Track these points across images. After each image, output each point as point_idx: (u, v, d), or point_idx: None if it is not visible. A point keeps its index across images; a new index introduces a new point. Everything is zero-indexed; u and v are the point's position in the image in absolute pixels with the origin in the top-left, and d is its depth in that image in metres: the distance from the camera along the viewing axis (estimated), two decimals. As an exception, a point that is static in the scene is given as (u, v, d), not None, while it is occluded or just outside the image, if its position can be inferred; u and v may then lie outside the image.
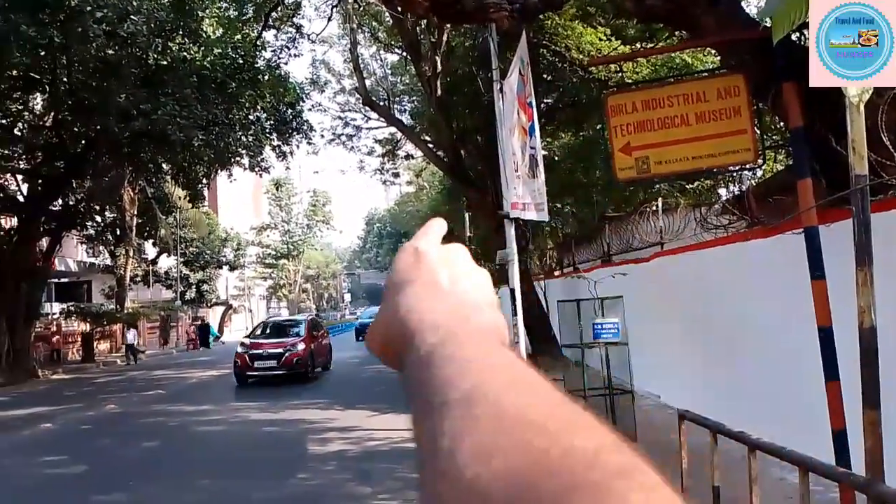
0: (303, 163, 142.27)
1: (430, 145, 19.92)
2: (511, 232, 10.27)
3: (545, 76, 15.61)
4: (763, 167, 7.83)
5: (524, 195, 9.60)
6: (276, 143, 24.36)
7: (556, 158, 18.94)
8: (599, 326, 6.46)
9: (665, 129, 5.72)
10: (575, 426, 0.32)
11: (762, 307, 6.73)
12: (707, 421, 3.84)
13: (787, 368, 6.16)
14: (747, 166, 6.38)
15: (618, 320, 6.52)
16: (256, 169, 25.25)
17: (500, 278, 21.76)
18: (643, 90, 6.47)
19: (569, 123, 18.49)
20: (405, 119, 23.44)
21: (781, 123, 8.01)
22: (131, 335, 28.53)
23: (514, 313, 10.35)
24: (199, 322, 38.98)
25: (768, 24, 4.63)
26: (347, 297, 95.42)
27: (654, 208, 11.32)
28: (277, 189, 64.73)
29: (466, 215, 26.01)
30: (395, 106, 23.56)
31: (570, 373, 7.06)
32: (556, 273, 18.12)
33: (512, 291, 10.43)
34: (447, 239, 0.58)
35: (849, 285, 3.79)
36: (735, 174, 16.92)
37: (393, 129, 24.21)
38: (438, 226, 0.57)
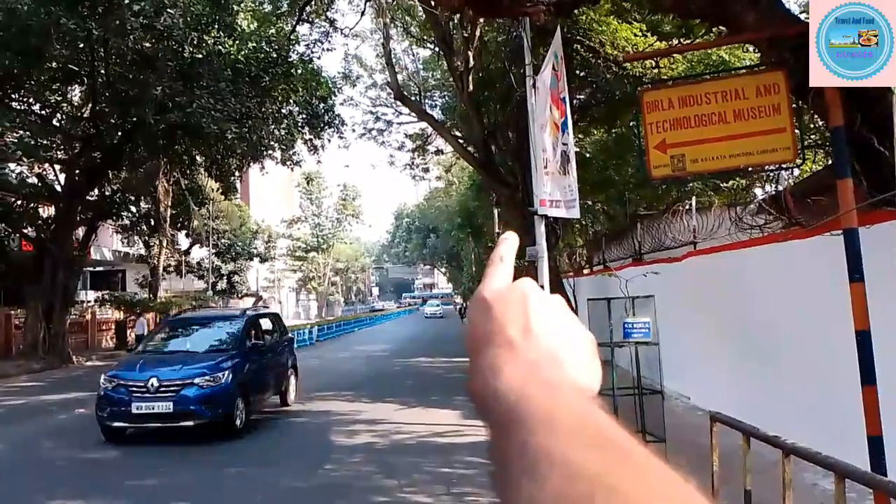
0: (334, 157, 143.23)
1: (461, 141, 19.90)
2: (541, 229, 10.24)
3: (579, 72, 15.49)
4: (802, 167, 7.68)
5: (553, 192, 9.55)
6: (307, 136, 24.56)
7: (588, 155, 18.79)
8: (630, 326, 6.40)
9: (702, 127, 5.63)
10: (643, 482, 0.34)
11: (798, 309, 6.61)
12: (741, 424, 3.79)
13: (822, 372, 6.04)
14: (785, 165, 6.25)
15: (649, 320, 6.45)
16: (288, 162, 25.50)
17: (528, 275, 21.82)
18: (679, 87, 6.38)
19: (602, 120, 18.33)
20: (436, 114, 23.45)
21: (821, 122, 7.84)
22: (141, 325, 25.65)
23: (543, 310, 10.33)
24: None
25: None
26: (375, 290, 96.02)
27: (688, 207, 11.17)
28: (308, 183, 65.27)
29: (496, 211, 25.98)
30: (427, 101, 23.59)
31: (599, 371, 7.02)
32: (586, 271, 18.00)
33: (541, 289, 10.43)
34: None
35: (888, 288, 3.70)
36: (772, 174, 16.64)
37: (424, 124, 24.24)
38: (508, 249, 0.56)
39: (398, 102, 22.16)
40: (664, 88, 6.42)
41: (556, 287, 14.28)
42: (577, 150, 17.96)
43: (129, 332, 30.17)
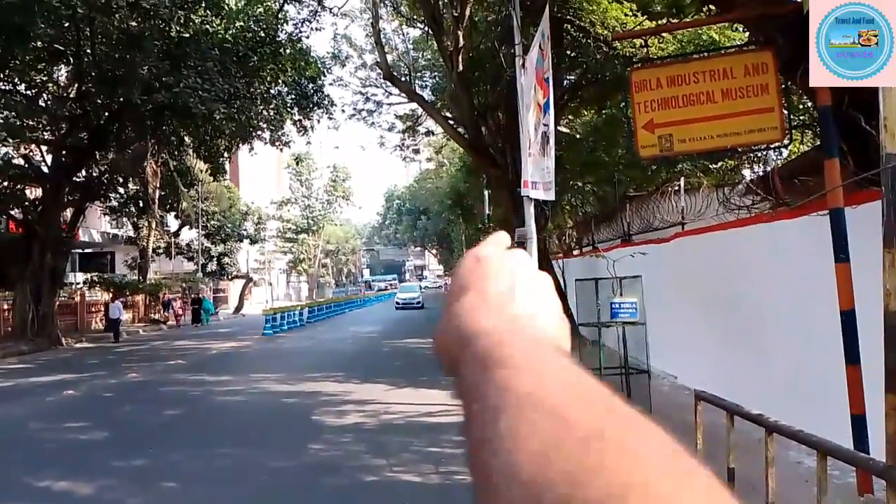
0: (323, 138, 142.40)
1: (451, 121, 19.79)
2: (530, 210, 10.24)
3: (569, 52, 15.41)
4: (789, 147, 7.68)
5: (534, 174, 9.54)
6: (297, 117, 24.39)
7: (578, 136, 18.76)
8: (617, 306, 6.41)
9: (690, 106, 5.62)
10: (629, 431, 0.33)
11: (784, 289, 6.64)
12: (724, 402, 3.81)
13: (807, 351, 6.09)
14: (774, 145, 6.26)
15: (636, 300, 6.47)
16: (277, 143, 25.33)
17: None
18: (669, 66, 6.35)
19: (591, 100, 18.28)
20: (426, 95, 23.32)
21: (809, 103, 7.83)
22: (115, 308, 24.87)
23: (532, 291, 10.35)
24: (194, 296, 34.93)
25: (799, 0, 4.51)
26: (366, 272, 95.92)
27: (676, 188, 11.18)
28: (298, 164, 64.92)
29: (486, 193, 25.95)
30: (417, 81, 23.43)
31: (587, 351, 7.04)
32: (575, 252, 18.03)
33: (530, 269, 10.43)
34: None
35: (873, 269, 3.72)
36: (760, 154, 16.69)
37: (414, 105, 24.11)
38: (503, 237, 0.57)
39: (388, 83, 21.99)
40: (653, 68, 6.39)
41: (546, 268, 14.31)
42: (568, 131, 17.94)
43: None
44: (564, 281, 15.78)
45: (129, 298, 31.78)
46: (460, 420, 0.39)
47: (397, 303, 42.19)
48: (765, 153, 15.92)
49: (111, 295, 28.52)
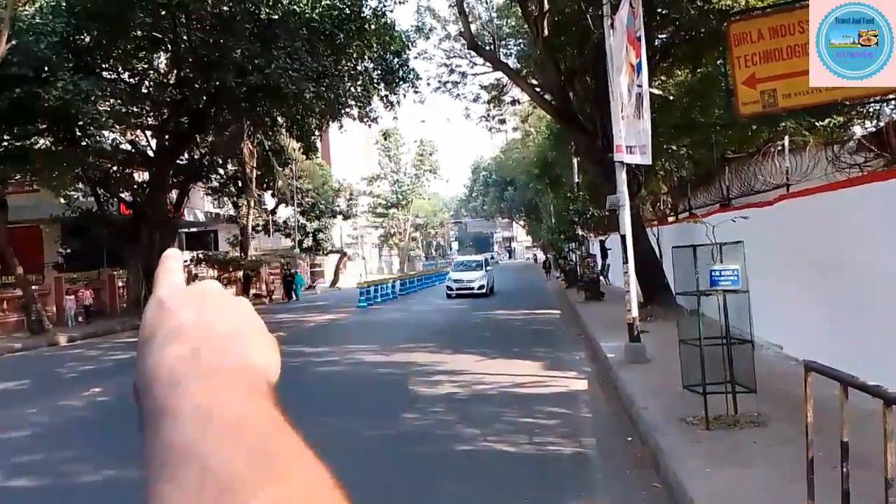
0: (410, 112, 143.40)
1: (537, 89, 19.40)
2: (622, 176, 9.93)
3: (659, 9, 14.73)
4: (908, 98, 7.05)
5: (629, 137, 9.21)
6: (383, 93, 24.61)
7: (672, 97, 17.99)
8: (717, 273, 6.12)
9: (795, 58, 5.24)
10: (267, 476, 0.34)
11: (902, 252, 6.16)
12: (838, 373, 3.58)
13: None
14: (889, 97, 5.76)
15: (738, 267, 6.15)
16: (365, 119, 25.68)
17: (609, 225, 21.16)
18: (770, 16, 5.93)
19: (685, 59, 17.46)
20: (511, 63, 22.91)
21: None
22: None
23: (625, 261, 10.08)
24: (285, 272, 35.86)
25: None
26: (455, 245, 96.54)
27: (780, 148, 10.53)
28: (386, 139, 65.68)
29: (575, 161, 25.40)
30: (501, 50, 23.04)
31: (685, 321, 6.78)
32: (671, 219, 17.41)
33: (622, 238, 10.15)
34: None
35: None
36: (873, 109, 15.46)
37: (499, 74, 23.75)
38: (174, 262, 0.53)
39: (472, 53, 21.72)
40: (753, 19, 5.98)
41: (640, 236, 13.91)
42: (660, 92, 17.22)
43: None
44: (660, 249, 15.29)
45: (232, 274, 33.34)
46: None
47: (449, 289, 29.42)
48: (878, 107, 14.75)
49: (216, 270, 29.55)
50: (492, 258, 57.57)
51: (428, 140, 70.97)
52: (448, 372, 10.48)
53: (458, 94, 26.33)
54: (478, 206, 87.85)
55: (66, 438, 7.73)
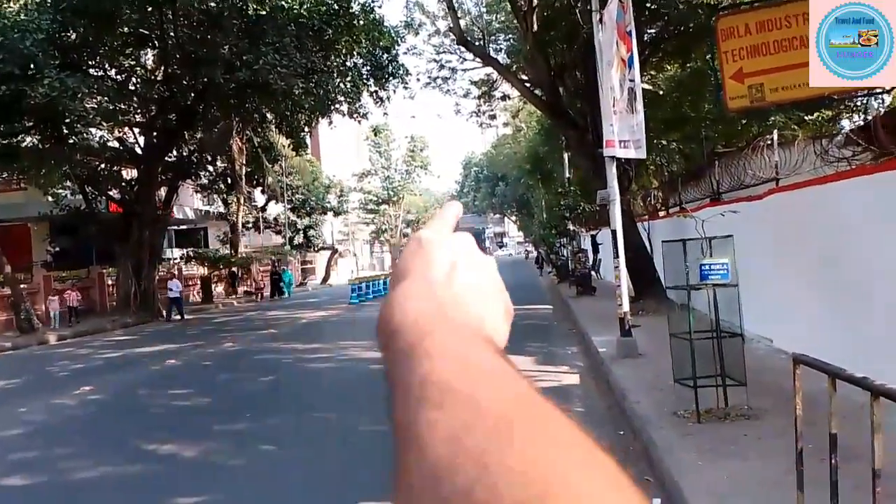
0: (400, 108, 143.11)
1: (527, 84, 19.41)
2: (612, 171, 9.96)
3: (648, 4, 14.75)
4: (892, 93, 7.11)
5: (622, 132, 9.23)
6: (373, 88, 24.56)
7: (661, 92, 18.05)
8: (707, 267, 6.16)
9: (782, 53, 5.27)
10: (538, 419, 0.35)
11: (890, 244, 6.21)
12: (826, 365, 3.61)
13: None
14: (875, 91, 5.81)
15: (727, 261, 6.19)
16: (355, 115, 25.63)
17: (600, 220, 21.21)
18: (758, 10, 5.95)
19: (674, 54, 17.50)
20: (501, 58, 22.92)
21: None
22: (174, 287, 23.63)
23: (616, 255, 10.11)
24: (272, 269, 35.58)
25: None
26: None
27: (769, 142, 10.58)
28: (376, 135, 65.53)
29: (566, 156, 25.44)
30: (491, 45, 23.02)
31: (676, 315, 6.82)
32: (661, 213, 17.47)
33: (613, 233, 10.18)
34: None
35: None
36: (860, 102, 15.57)
37: (489, 70, 23.75)
38: (452, 211, 0.58)
39: (462, 48, 21.70)
40: (741, 13, 6.01)
41: (630, 231, 13.95)
42: (650, 87, 17.28)
43: (212, 286, 31.31)
44: (651, 243, 15.36)
45: (222, 271, 33.22)
46: (388, 406, 0.39)
47: None
48: (865, 101, 14.86)
49: (169, 274, 27.32)
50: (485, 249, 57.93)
51: (419, 136, 70.85)
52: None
53: (449, 90, 26.34)
54: (469, 202, 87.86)
55: (60, 436, 7.71)
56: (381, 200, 66.36)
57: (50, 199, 24.24)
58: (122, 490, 5.78)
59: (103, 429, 8.13)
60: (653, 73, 18.58)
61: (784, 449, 4.07)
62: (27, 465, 6.64)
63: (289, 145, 32.89)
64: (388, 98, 24.90)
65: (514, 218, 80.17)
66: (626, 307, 9.91)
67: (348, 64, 23.37)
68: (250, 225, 38.41)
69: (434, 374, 0.37)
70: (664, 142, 17.92)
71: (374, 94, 24.71)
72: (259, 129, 30.47)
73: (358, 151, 67.07)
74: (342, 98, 24.13)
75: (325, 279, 44.82)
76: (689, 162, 17.84)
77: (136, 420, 8.43)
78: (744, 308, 6.39)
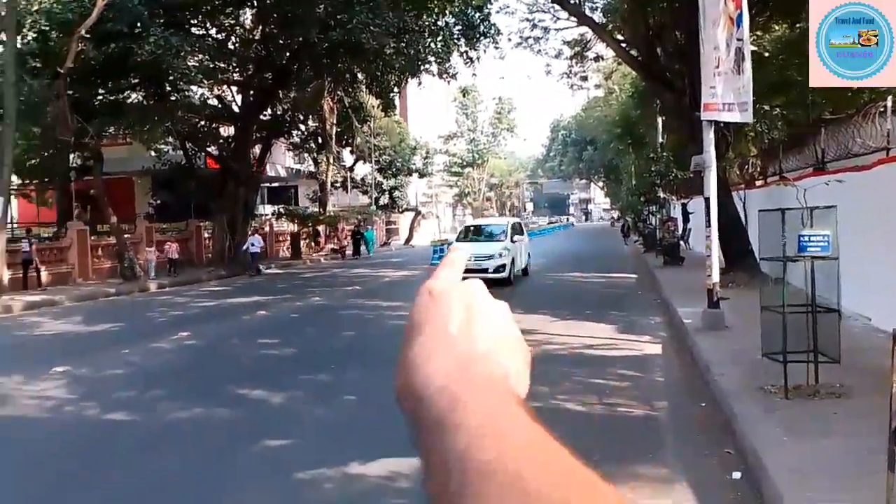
0: (489, 69, 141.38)
1: (623, 44, 18.75)
2: (709, 136, 9.55)
3: (757, -41, 13.88)
4: None
5: (725, 94, 8.80)
6: (463, 48, 24.38)
7: (767, 54, 17.05)
8: (807, 238, 5.84)
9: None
10: (592, 499, 0.34)
11: None
12: (931, 345, 3.40)
13: None
14: None
15: (829, 233, 5.86)
16: (444, 76, 25.57)
17: (692, 188, 20.46)
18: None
19: (783, 12, 16.44)
20: (597, 17, 22.16)
21: None
22: (256, 242, 23.47)
23: (708, 224, 9.75)
24: (354, 228, 35.09)
25: None
26: (529, 206, 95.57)
27: (882, 109, 9.86)
28: (464, 96, 65.21)
29: (659, 120, 24.57)
30: (587, 3, 22.29)
31: (769, 289, 6.54)
32: (759, 183, 16.67)
33: (707, 201, 9.80)
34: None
35: None
36: None
37: (583, 29, 23.05)
38: (458, 258, 0.55)
39: (556, 7, 21.12)
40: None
41: (725, 200, 13.40)
42: (755, 48, 16.33)
43: (302, 242, 32.19)
44: (746, 213, 14.72)
45: (309, 229, 34.16)
46: (420, 474, 0.39)
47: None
48: None
49: (252, 230, 26.72)
50: (567, 220, 54.89)
51: (506, 98, 70.06)
52: (520, 331, 10.50)
53: (540, 50, 25.72)
54: (555, 167, 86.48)
55: (157, 378, 8.23)
56: (465, 163, 66.30)
57: (153, 154, 25.47)
58: (212, 431, 6.13)
59: (197, 373, 8.62)
60: (759, 33, 17.54)
61: (875, 428, 3.87)
62: (128, 403, 7.14)
63: (378, 106, 33.22)
64: (478, 58, 24.71)
65: (600, 184, 78.45)
66: (715, 278, 9.59)
67: (440, 23, 23.27)
68: (338, 184, 39.23)
69: (471, 454, 0.35)
70: (766, 107, 16.96)
71: (465, 55, 24.56)
72: (350, 90, 30.88)
73: (445, 113, 67.00)
74: (432, 58, 24.11)
75: (408, 240, 45.45)
76: (792, 129, 16.86)
77: (228, 366, 8.89)
78: (842, 283, 6.06)
